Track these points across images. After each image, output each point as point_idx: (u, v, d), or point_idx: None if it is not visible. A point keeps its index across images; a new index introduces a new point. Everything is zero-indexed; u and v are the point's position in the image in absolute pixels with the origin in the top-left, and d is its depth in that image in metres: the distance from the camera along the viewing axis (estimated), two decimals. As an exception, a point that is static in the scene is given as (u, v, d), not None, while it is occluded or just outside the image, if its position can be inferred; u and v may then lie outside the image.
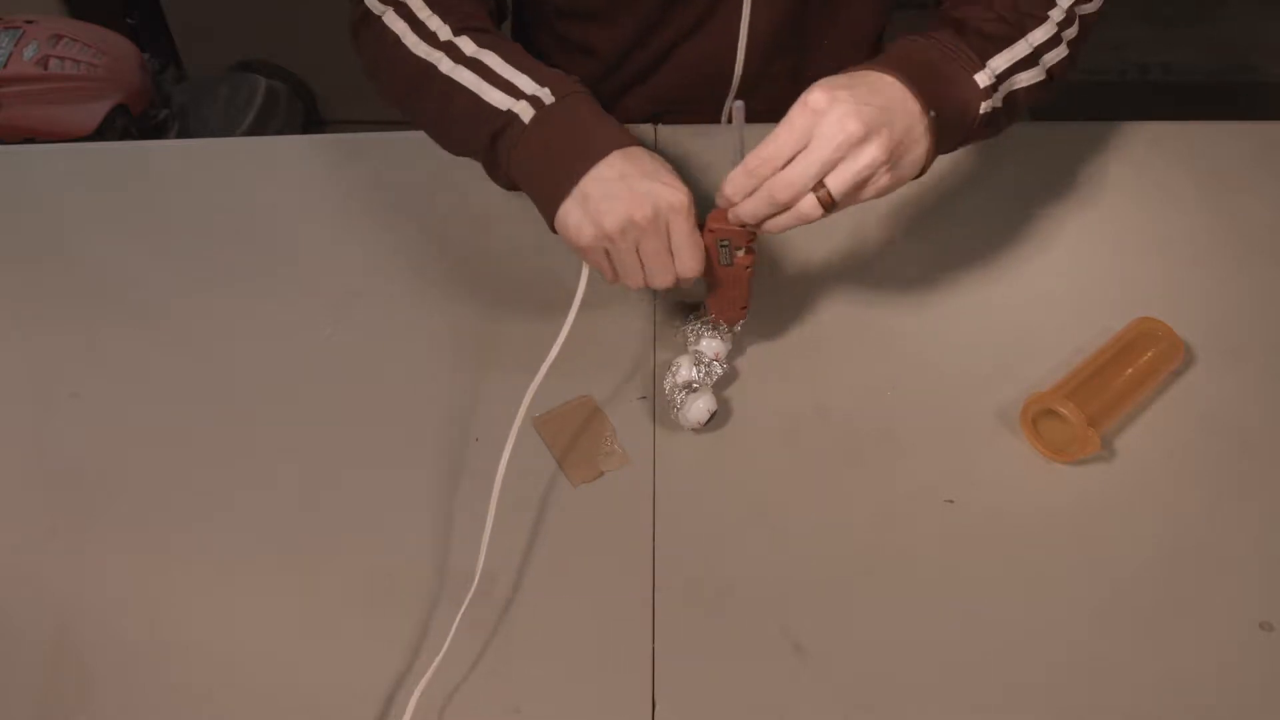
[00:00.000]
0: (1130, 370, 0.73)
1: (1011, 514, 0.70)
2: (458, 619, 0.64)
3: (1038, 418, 0.72)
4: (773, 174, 0.63)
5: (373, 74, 0.79)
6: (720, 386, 0.76)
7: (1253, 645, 0.64)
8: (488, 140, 0.70)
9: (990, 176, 0.90)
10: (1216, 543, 0.68)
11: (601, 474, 0.72)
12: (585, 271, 0.70)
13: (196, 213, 0.90)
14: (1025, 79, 0.73)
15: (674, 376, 0.73)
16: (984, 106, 0.70)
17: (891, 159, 0.63)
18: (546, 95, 0.68)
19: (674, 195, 0.64)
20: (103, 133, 1.63)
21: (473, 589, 0.65)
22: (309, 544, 0.70)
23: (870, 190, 0.64)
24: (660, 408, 0.75)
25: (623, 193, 0.64)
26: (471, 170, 0.89)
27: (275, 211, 0.90)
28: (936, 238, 0.86)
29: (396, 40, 0.76)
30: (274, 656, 0.65)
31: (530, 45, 0.94)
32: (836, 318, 0.81)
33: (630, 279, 0.67)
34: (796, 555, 0.68)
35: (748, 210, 0.64)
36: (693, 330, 0.76)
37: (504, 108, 0.69)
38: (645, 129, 0.92)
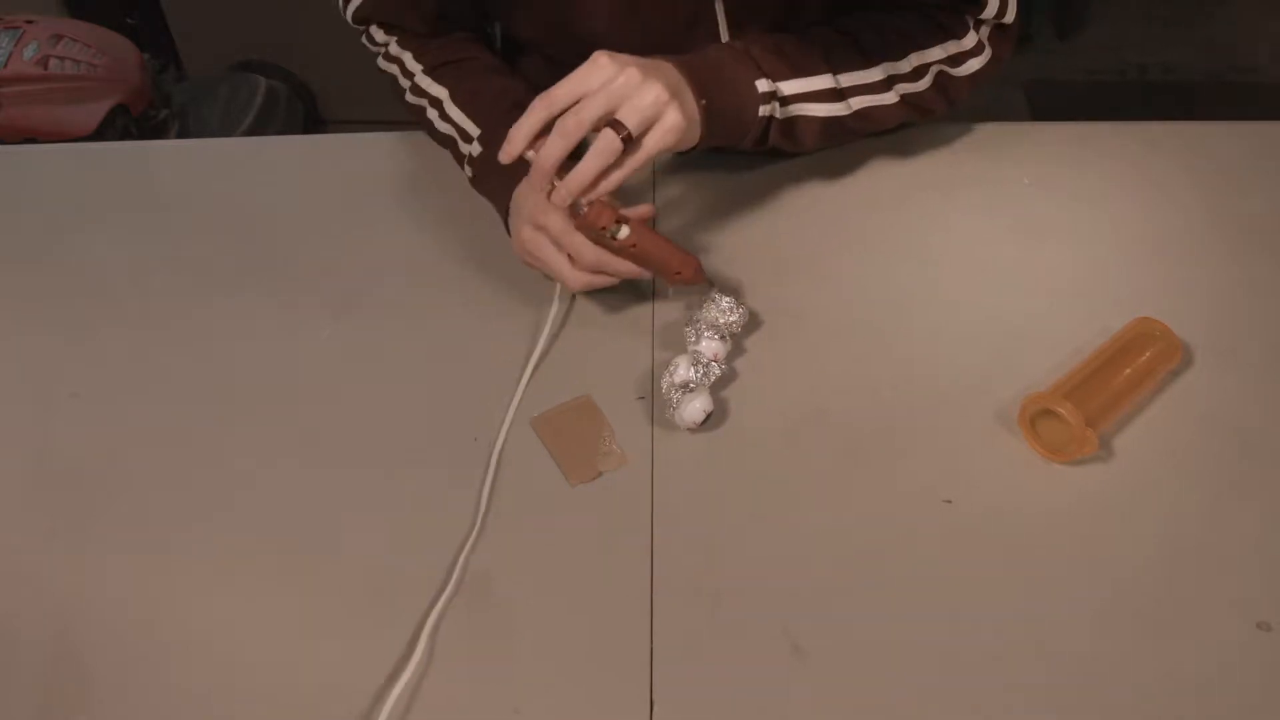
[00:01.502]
0: (1129, 370, 0.73)
1: (1010, 514, 0.70)
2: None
3: (1036, 418, 0.72)
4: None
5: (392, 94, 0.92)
6: (719, 387, 0.76)
7: (1252, 645, 0.64)
8: (469, 180, 0.84)
9: (990, 176, 0.90)
10: (1215, 543, 0.68)
11: (600, 474, 0.72)
12: (557, 289, 0.79)
13: (196, 213, 0.90)
14: (819, 110, 0.80)
15: (671, 376, 0.73)
16: (763, 109, 0.77)
17: (672, 99, 0.69)
18: (475, 148, 0.82)
19: (534, 212, 0.74)
20: (103, 133, 1.63)
21: (450, 585, 0.65)
22: (308, 544, 0.70)
23: (660, 130, 0.69)
24: (659, 408, 0.75)
25: (515, 223, 0.77)
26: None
27: (275, 211, 0.90)
28: (935, 237, 0.86)
29: (394, 81, 0.89)
30: (273, 656, 0.65)
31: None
32: (836, 318, 0.81)
33: (567, 289, 0.76)
34: (795, 555, 0.68)
35: (547, 153, 0.68)
36: (692, 330, 0.76)
37: (466, 154, 0.83)
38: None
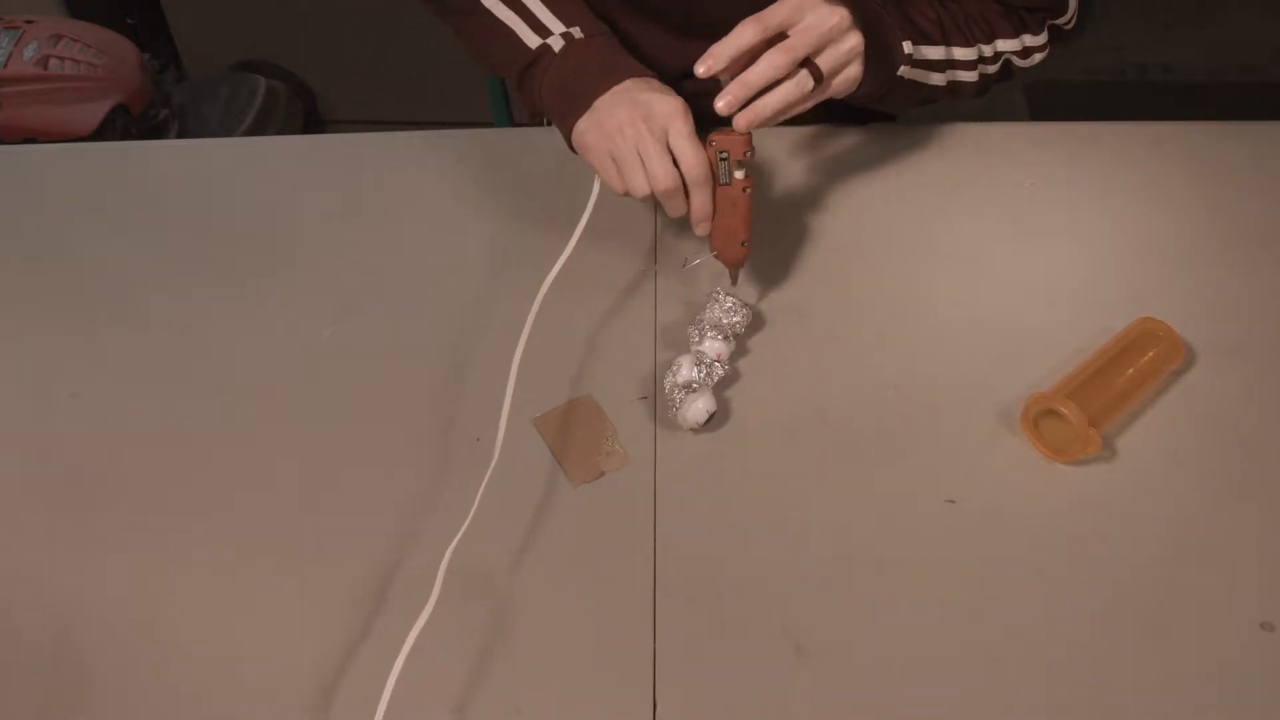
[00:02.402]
0: (1131, 370, 0.73)
1: (1012, 514, 0.70)
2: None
3: (1039, 418, 0.72)
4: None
5: None
6: (721, 387, 0.75)
7: (1253, 645, 0.64)
8: (519, 72, 0.80)
9: (990, 176, 0.90)
10: (1217, 543, 0.68)
11: (602, 474, 0.72)
12: (596, 184, 0.76)
13: (196, 213, 0.90)
14: (930, 78, 0.83)
15: (674, 376, 0.73)
16: (903, 70, 0.79)
17: (862, 51, 0.69)
18: (577, 32, 0.78)
19: (670, 101, 0.71)
20: (103, 133, 1.63)
21: (452, 585, 0.65)
22: (308, 544, 0.70)
23: (841, 79, 0.70)
24: (661, 407, 0.75)
25: (624, 102, 0.72)
26: (471, 170, 0.89)
27: (275, 211, 0.90)
28: (936, 238, 0.86)
29: None
30: (273, 656, 0.65)
31: None
32: (837, 319, 0.81)
33: (633, 177, 0.71)
34: (798, 555, 0.68)
35: (754, 72, 0.67)
36: (695, 330, 0.76)
37: (534, 45, 0.79)
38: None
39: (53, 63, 1.61)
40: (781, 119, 0.69)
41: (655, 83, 0.74)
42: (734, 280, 0.78)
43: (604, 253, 0.84)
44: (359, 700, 0.62)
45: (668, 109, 0.71)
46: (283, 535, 0.70)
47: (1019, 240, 0.86)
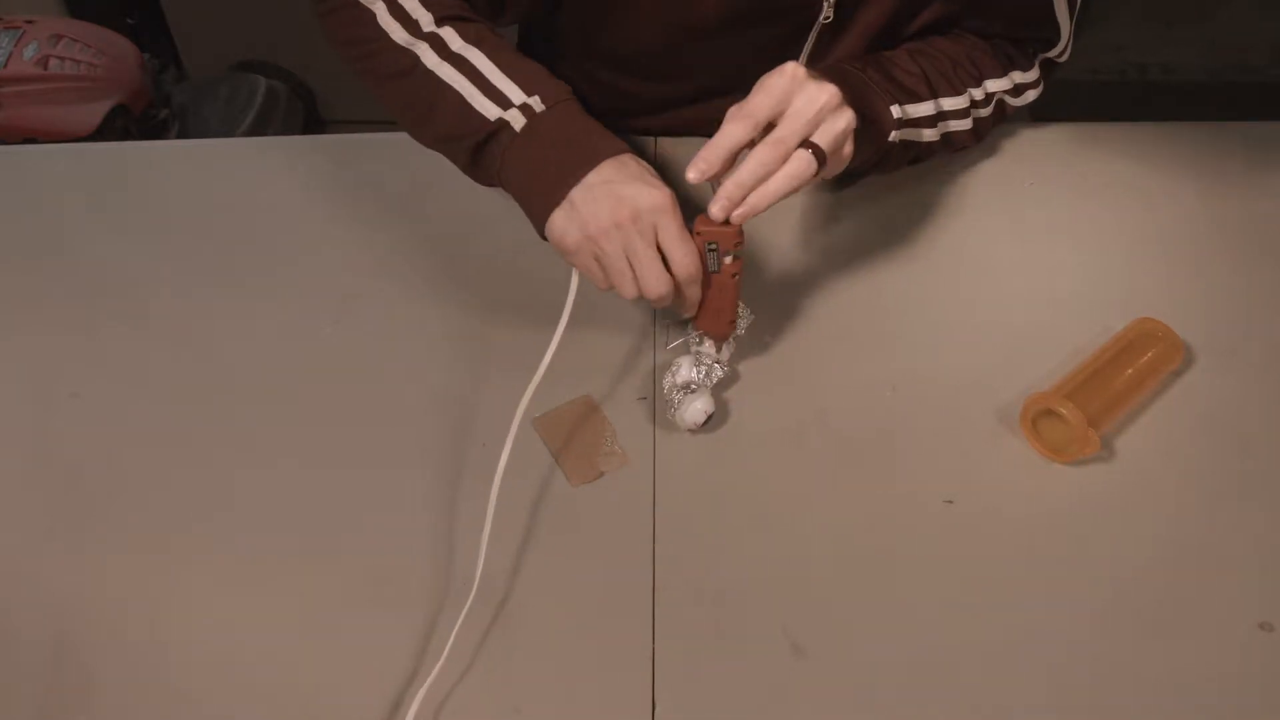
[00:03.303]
0: (1130, 370, 0.73)
1: (1011, 514, 0.70)
2: (459, 621, 0.64)
3: (1037, 418, 0.72)
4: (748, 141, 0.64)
5: (341, 46, 0.77)
6: (721, 388, 0.75)
7: (1253, 645, 0.64)
8: (473, 145, 0.71)
9: (990, 176, 0.90)
10: (1216, 543, 0.69)
11: (601, 474, 0.72)
12: (575, 279, 0.70)
13: (196, 213, 0.90)
14: (923, 135, 0.80)
15: (674, 377, 0.73)
16: (893, 135, 0.76)
17: (854, 127, 0.66)
18: (537, 103, 0.70)
19: (657, 196, 0.65)
20: (103, 133, 1.63)
21: (472, 594, 0.65)
22: (309, 545, 0.70)
23: (836, 160, 0.66)
24: (660, 408, 0.75)
25: (606, 197, 0.65)
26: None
27: (275, 211, 0.90)
28: (935, 238, 0.86)
29: (372, 20, 0.74)
30: (275, 657, 0.65)
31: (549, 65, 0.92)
32: (836, 319, 0.81)
33: (622, 284, 0.67)
34: (796, 556, 0.68)
35: (745, 172, 0.63)
36: (695, 331, 0.76)
37: (493, 116, 0.70)
38: (645, 141, 0.92)
39: (53, 63, 1.61)
40: (778, 201, 0.65)
41: (633, 165, 0.68)
42: (718, 349, 0.75)
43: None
44: (360, 701, 0.62)
45: (654, 204, 0.65)
46: (283, 536, 0.70)
47: (1019, 240, 0.86)
